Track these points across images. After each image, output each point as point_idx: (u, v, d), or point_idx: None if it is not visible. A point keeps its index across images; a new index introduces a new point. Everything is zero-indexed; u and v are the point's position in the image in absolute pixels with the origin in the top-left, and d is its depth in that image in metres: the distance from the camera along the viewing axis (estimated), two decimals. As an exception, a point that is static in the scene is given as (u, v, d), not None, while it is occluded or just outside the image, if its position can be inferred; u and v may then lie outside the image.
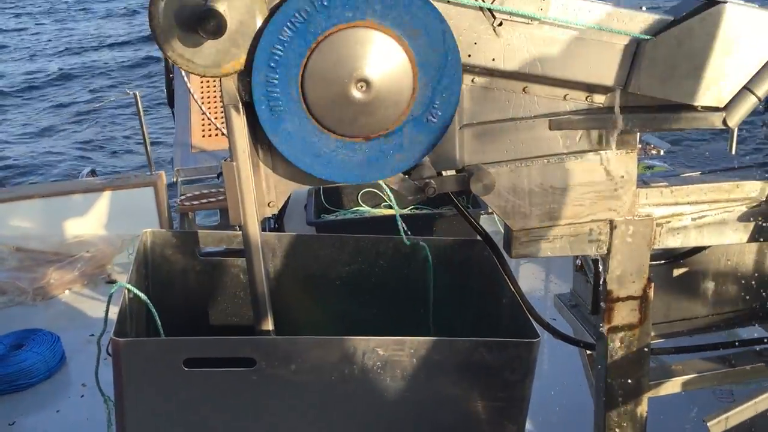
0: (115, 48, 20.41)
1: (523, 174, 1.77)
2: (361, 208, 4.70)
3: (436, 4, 1.52)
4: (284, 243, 2.03)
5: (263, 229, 4.40)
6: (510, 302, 1.84)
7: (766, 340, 2.21)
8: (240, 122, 1.54)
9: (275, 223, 4.92)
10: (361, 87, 1.51)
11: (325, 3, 1.44)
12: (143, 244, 1.92)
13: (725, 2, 1.58)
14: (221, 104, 2.00)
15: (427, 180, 1.67)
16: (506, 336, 1.75)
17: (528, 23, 1.59)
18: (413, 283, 1.97)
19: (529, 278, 4.17)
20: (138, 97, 5.07)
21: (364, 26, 1.47)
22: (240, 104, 1.54)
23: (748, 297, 2.28)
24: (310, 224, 4.24)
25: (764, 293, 2.24)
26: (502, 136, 1.73)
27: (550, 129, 1.74)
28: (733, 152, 3.11)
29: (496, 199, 1.77)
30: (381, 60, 1.49)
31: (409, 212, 4.51)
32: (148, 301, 1.72)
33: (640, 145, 4.74)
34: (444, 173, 1.72)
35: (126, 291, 1.66)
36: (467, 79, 1.66)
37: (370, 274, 2.00)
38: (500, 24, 1.58)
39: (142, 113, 5.14)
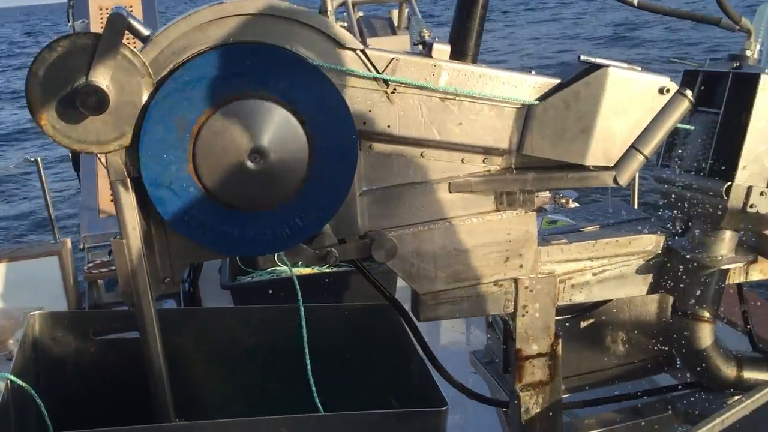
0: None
1: (427, 237, 1.77)
2: (278, 268, 4.61)
3: (329, 74, 1.52)
4: (185, 318, 1.95)
5: (179, 293, 4.29)
6: (419, 367, 1.82)
7: (680, 388, 2.25)
8: (129, 198, 1.48)
9: (190, 286, 4.77)
10: (256, 158, 1.48)
11: (211, 76, 1.42)
12: (31, 328, 1.81)
13: (608, 66, 1.64)
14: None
15: (329, 248, 1.65)
16: (417, 403, 1.71)
17: (421, 90, 1.61)
18: (324, 351, 1.92)
19: (449, 332, 4.17)
20: (39, 164, 4.88)
21: (253, 97, 1.44)
22: (128, 180, 1.48)
23: (654, 346, 2.33)
24: (225, 288, 4.12)
25: (668, 341, 2.29)
26: (402, 201, 1.73)
27: (449, 192, 1.75)
28: (636, 206, 3.22)
29: (401, 263, 1.76)
30: (273, 129, 1.47)
31: (328, 270, 4.46)
32: (33, 391, 1.61)
33: (549, 194, 4.90)
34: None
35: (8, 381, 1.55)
36: (365, 145, 1.65)
37: (278, 345, 1.94)
38: (393, 92, 1.59)
39: (44, 180, 4.94)
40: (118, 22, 1.38)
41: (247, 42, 1.47)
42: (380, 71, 1.57)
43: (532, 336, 1.91)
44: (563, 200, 4.85)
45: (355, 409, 1.60)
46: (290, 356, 1.86)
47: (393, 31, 4.58)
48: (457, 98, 1.63)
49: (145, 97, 1.42)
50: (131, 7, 5.35)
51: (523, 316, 1.89)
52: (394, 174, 1.71)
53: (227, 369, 2.00)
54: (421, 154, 1.70)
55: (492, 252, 1.82)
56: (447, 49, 1.61)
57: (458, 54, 1.66)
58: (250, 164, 1.47)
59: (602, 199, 2.51)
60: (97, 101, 1.34)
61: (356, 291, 3.98)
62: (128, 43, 1.42)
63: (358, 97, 1.58)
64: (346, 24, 4.51)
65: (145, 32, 1.47)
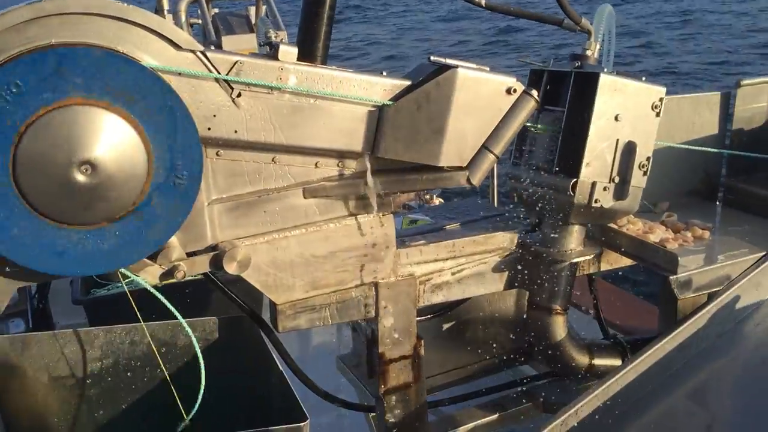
0: None
1: (282, 245, 1.70)
2: (138, 277, 4.35)
3: (167, 78, 1.42)
4: (20, 346, 1.78)
5: (26, 311, 3.95)
6: (279, 380, 1.75)
7: (539, 378, 2.31)
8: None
9: (39, 303, 4.42)
10: (86, 170, 1.35)
11: (29, 82, 1.28)
12: None
13: (457, 67, 1.64)
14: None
15: (176, 263, 1.55)
16: (278, 417, 1.65)
17: (269, 93, 1.54)
18: (179, 370, 1.81)
19: (320, 334, 4.12)
20: None
21: (80, 104, 1.32)
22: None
23: (513, 338, 2.38)
24: (77, 302, 3.84)
25: (527, 333, 2.35)
26: (255, 209, 1.66)
27: (305, 197, 1.70)
28: (495, 204, 3.30)
29: (256, 274, 1.69)
30: (101, 136, 1.34)
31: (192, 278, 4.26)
32: None
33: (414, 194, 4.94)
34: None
35: None
36: (211, 152, 1.56)
37: (126, 368, 1.81)
38: (239, 95, 1.51)
39: None
40: None
41: (72, 44, 1.34)
42: (223, 74, 1.48)
43: (394, 340, 1.90)
44: (428, 196, 4.91)
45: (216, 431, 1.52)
46: (143, 379, 1.74)
47: (251, 28, 4.45)
48: (307, 101, 1.58)
49: (-47, 106, 1.26)
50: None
51: (385, 320, 1.87)
52: (245, 181, 1.63)
53: (70, 400, 1.85)
54: (273, 160, 1.64)
55: (351, 257, 1.79)
56: (294, 51, 1.55)
57: (306, 56, 1.60)
58: (79, 177, 1.34)
59: (467, 194, 2.54)
60: None
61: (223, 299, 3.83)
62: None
63: (201, 101, 1.49)
64: (200, 22, 4.35)
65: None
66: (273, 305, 1.78)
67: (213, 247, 1.62)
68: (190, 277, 1.61)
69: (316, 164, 1.69)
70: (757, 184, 2.51)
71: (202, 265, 1.59)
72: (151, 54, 1.42)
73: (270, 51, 1.57)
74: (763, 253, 1.94)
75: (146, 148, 1.40)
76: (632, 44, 17.63)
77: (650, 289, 4.63)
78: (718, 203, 2.51)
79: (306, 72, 1.56)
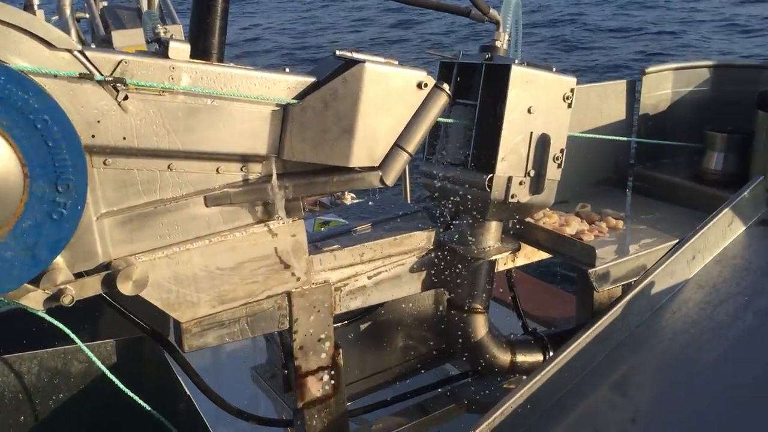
0: None
1: (184, 259, 1.57)
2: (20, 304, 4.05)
3: (39, 80, 1.26)
4: None
5: None
6: (186, 403, 1.62)
7: (460, 377, 2.26)
8: None
9: None
10: (-53, 191, 1.18)
11: None
12: None
13: (365, 61, 1.55)
14: None
15: (62, 286, 1.39)
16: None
17: (160, 95, 1.40)
18: (74, 400, 1.65)
19: (232, 344, 3.96)
20: None
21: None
22: None
23: (433, 338, 2.32)
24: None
25: (447, 332, 2.30)
26: (152, 221, 1.51)
27: (206, 206, 1.57)
28: (409, 201, 3.25)
29: (156, 292, 1.55)
30: None
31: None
32: None
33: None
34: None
35: None
36: (98, 161, 1.41)
37: (12, 402, 1.63)
38: (126, 98, 1.37)
39: None
40: None
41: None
42: (107, 75, 1.34)
43: (311, 351, 1.80)
44: (339, 192, 4.82)
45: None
46: (27, 411, 1.57)
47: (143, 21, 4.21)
48: (203, 102, 1.45)
49: None
50: None
51: (300, 330, 1.77)
52: (138, 191, 1.49)
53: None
54: (169, 167, 1.50)
55: (260, 267, 1.67)
56: (186, 48, 1.41)
57: (200, 53, 1.47)
58: (-60, 199, 1.17)
59: (380, 192, 2.46)
60: None
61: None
62: None
63: (82, 106, 1.34)
64: (87, 16, 4.08)
65: None
66: (177, 324, 1.64)
67: (105, 266, 1.48)
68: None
69: (217, 170, 1.56)
70: (664, 170, 2.55)
71: (93, 287, 1.44)
72: (20, 55, 1.26)
73: (159, 48, 1.43)
74: (676, 241, 1.94)
75: (19, 160, 1.24)
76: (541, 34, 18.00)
77: (564, 274, 4.69)
78: (627, 191, 2.53)
79: (201, 70, 1.43)
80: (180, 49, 1.41)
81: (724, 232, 2.01)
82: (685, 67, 2.58)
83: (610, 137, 2.37)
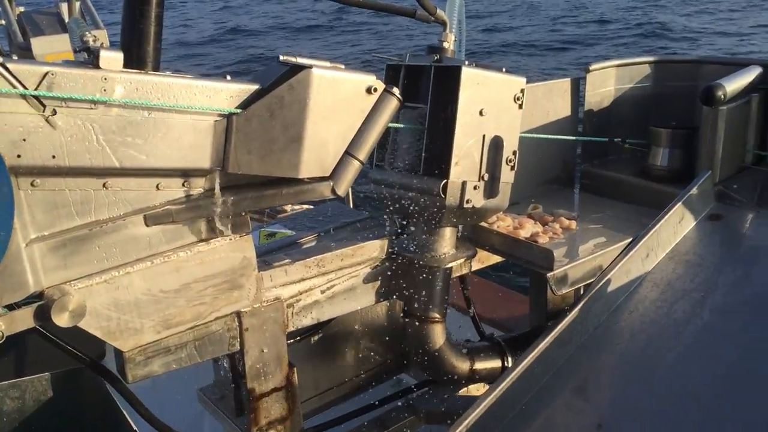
0: None
1: (125, 283, 1.46)
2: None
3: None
4: None
5: None
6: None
7: (417, 387, 2.20)
8: None
9: None
10: None
11: None
12: None
13: (311, 67, 1.47)
14: None
15: (-12, 323, 1.26)
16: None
17: (92, 108, 1.29)
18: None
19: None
20: None
21: None
22: None
23: (387, 348, 2.26)
24: None
25: (402, 341, 2.24)
26: (88, 245, 1.40)
27: (147, 225, 1.46)
28: (351, 205, 3.17)
29: (95, 320, 1.43)
30: None
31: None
32: None
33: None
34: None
35: None
36: (25, 183, 1.29)
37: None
38: (54, 113, 1.25)
39: None
40: None
41: None
42: (31, 89, 1.22)
43: (264, 372, 1.71)
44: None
45: None
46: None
47: (63, 27, 3.98)
48: (140, 115, 1.34)
49: None
50: None
51: (252, 352, 1.68)
52: (71, 213, 1.37)
53: None
54: (104, 185, 1.39)
55: (207, 287, 1.57)
56: (119, 56, 1.31)
57: (134, 62, 1.36)
58: None
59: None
60: None
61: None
62: None
63: (5, 124, 1.21)
64: (3, 22, 3.85)
65: None
66: (119, 353, 1.53)
67: (38, 295, 1.35)
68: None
69: (157, 186, 1.45)
70: (610, 167, 2.55)
71: (24, 321, 1.32)
72: (-70, 68, 1.13)
73: (89, 58, 1.31)
74: (630, 239, 1.93)
75: None
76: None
77: (515, 274, 4.70)
78: (575, 190, 2.52)
79: (136, 81, 1.33)
80: (112, 58, 1.29)
81: (675, 228, 2.01)
82: (626, 63, 2.59)
83: (558, 137, 2.35)
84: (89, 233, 1.39)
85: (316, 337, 2.12)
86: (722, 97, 2.02)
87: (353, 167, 1.57)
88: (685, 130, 2.37)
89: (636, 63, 2.61)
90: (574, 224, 2.10)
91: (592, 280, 1.85)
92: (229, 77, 1.49)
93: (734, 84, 2.09)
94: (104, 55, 1.28)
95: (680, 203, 2.00)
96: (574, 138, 2.44)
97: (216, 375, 2.26)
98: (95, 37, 1.35)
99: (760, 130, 2.31)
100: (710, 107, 2.10)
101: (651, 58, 2.62)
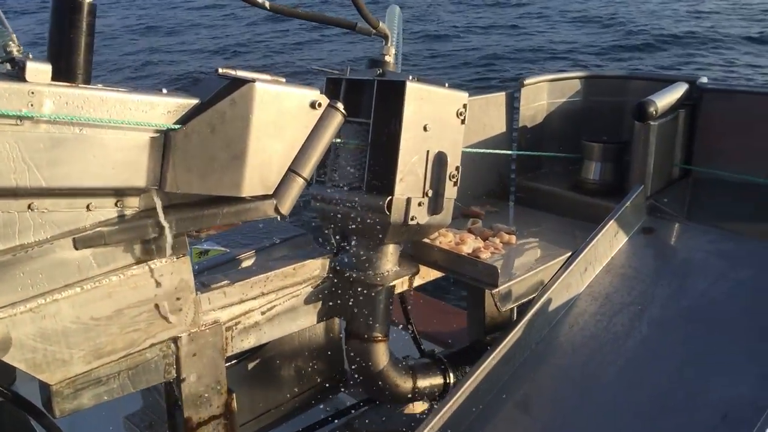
0: None
1: (52, 312, 1.35)
2: None
3: None
4: None
5: None
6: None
7: (360, 405, 2.15)
8: None
9: None
10: None
11: None
12: None
13: (254, 81, 1.40)
14: None
15: None
16: None
17: (17, 124, 1.19)
18: None
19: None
20: None
21: None
22: None
23: (324, 368, 2.20)
24: None
25: (340, 360, 2.19)
26: (11, 271, 1.29)
27: (76, 249, 1.36)
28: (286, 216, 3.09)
29: (20, 353, 1.32)
30: None
31: None
32: None
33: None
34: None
35: None
36: (-60, 206, 1.18)
37: None
38: (-26, 130, 1.14)
39: None
40: None
41: None
42: (-51, 103, 1.11)
43: (202, 399, 1.62)
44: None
45: None
46: None
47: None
48: (70, 131, 1.24)
49: None
50: None
51: (189, 379, 1.59)
52: (-8, 238, 1.25)
53: None
54: (29, 207, 1.28)
55: (142, 312, 1.48)
56: (47, 68, 1.20)
57: (63, 74, 1.25)
58: None
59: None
60: None
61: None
62: None
63: None
64: None
65: None
66: (45, 386, 1.41)
67: (-45, 329, 1.23)
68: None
69: (87, 207, 1.35)
70: (544, 180, 2.58)
71: (-61, 357, 1.20)
72: None
73: (13, 69, 1.21)
74: (569, 254, 1.95)
75: None
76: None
77: (451, 287, 4.68)
78: (511, 203, 2.53)
79: (66, 94, 1.23)
80: (40, 70, 1.19)
81: (611, 242, 2.04)
82: (559, 78, 2.63)
83: (497, 151, 2.36)
84: (13, 258, 1.28)
85: (251, 360, 2.04)
86: (654, 112, 2.07)
87: (297, 185, 1.51)
88: (616, 145, 2.42)
89: (567, 78, 2.65)
90: (513, 239, 2.10)
91: (534, 295, 1.86)
92: (165, 90, 1.40)
93: (664, 100, 2.15)
94: (31, 66, 1.18)
95: (615, 218, 2.03)
96: (512, 153, 2.46)
97: (144, 401, 2.15)
98: (20, 47, 1.24)
99: (687, 144, 2.39)
100: (642, 122, 2.14)
101: (581, 73, 2.68)
